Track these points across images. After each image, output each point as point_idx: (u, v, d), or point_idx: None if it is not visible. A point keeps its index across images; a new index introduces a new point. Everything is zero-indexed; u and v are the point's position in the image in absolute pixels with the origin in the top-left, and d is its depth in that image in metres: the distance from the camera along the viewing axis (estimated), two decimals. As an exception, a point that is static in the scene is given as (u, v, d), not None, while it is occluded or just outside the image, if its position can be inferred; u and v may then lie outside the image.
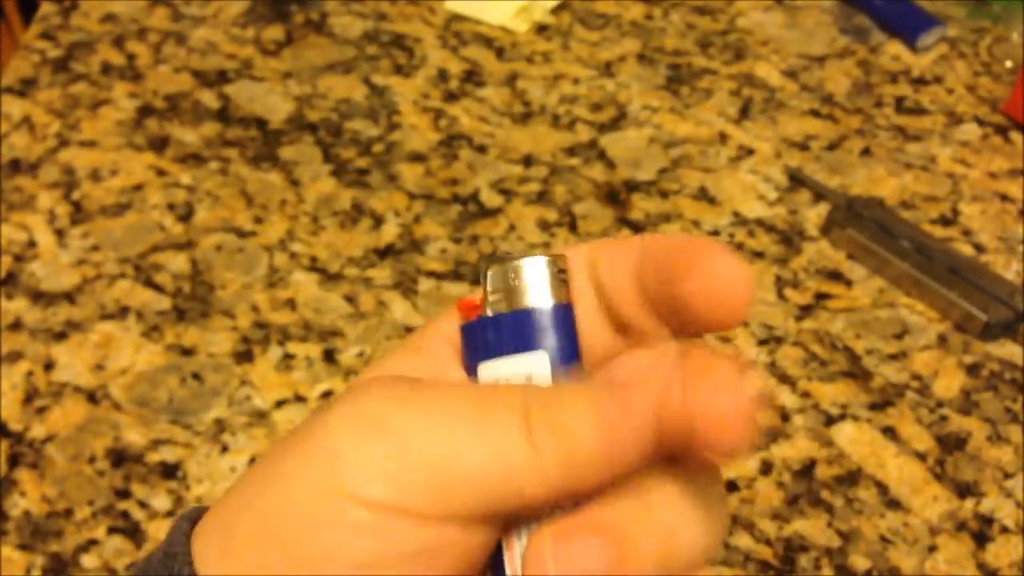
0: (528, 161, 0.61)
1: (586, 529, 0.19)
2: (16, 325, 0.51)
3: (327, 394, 0.48)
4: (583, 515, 0.19)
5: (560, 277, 0.21)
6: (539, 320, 0.21)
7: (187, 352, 0.50)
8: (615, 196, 0.59)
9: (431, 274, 0.54)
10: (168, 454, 0.46)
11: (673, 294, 0.20)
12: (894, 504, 0.45)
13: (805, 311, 0.53)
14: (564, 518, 0.19)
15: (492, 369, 0.21)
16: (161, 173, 0.59)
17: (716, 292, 0.19)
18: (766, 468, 0.46)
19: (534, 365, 0.21)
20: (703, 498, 0.20)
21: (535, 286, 0.21)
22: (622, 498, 0.19)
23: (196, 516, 0.22)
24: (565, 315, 0.21)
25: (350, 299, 0.53)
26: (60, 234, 0.56)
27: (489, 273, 0.21)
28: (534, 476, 0.19)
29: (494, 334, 0.21)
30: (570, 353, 0.21)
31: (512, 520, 0.20)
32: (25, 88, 0.65)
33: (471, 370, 0.22)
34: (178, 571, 0.20)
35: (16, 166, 0.60)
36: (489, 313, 0.21)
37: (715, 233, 0.57)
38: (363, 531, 0.19)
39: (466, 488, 0.19)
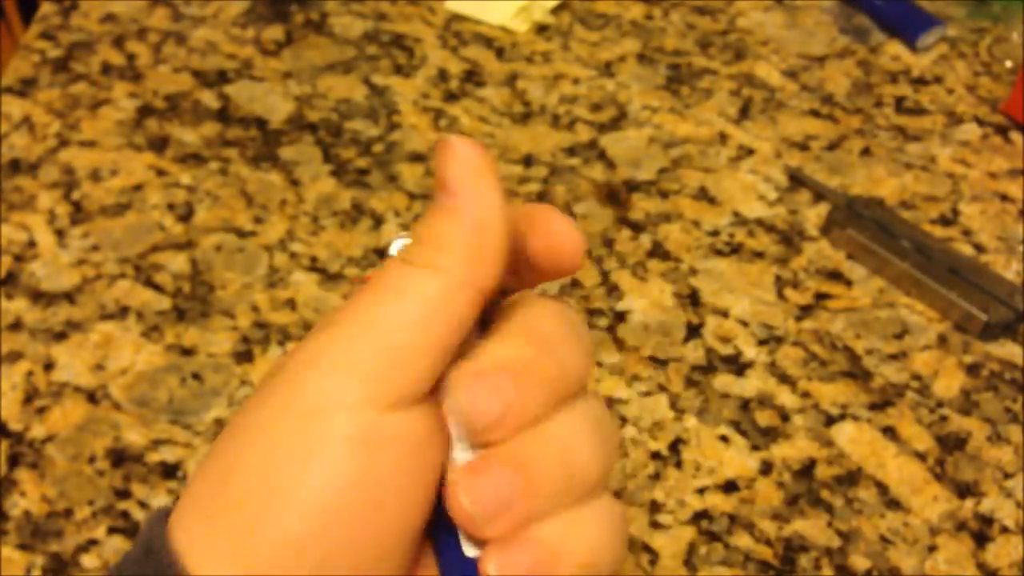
0: (528, 161, 0.61)
1: (495, 462, 0.21)
2: (16, 325, 0.51)
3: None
4: (491, 451, 0.21)
5: None
6: None
7: (187, 352, 0.50)
8: (615, 196, 0.59)
9: (431, 274, 0.54)
10: (168, 454, 0.46)
11: (522, 252, 0.23)
12: (894, 504, 0.45)
13: (805, 311, 0.53)
14: (476, 458, 0.21)
15: None
16: (161, 173, 0.59)
17: (555, 245, 0.23)
18: (766, 468, 0.46)
19: None
20: (595, 423, 0.22)
21: None
22: (523, 433, 0.21)
23: (169, 511, 0.22)
24: None
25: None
26: (60, 234, 0.56)
27: (391, 247, 0.24)
28: (448, 286, 0.21)
29: None
30: None
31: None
32: (25, 88, 0.65)
33: None
34: (162, 569, 0.20)
35: (16, 166, 0.60)
36: None
37: (715, 233, 0.57)
38: (354, 440, 0.20)
39: (417, 344, 0.21)
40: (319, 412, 0.20)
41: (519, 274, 0.24)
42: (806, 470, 0.46)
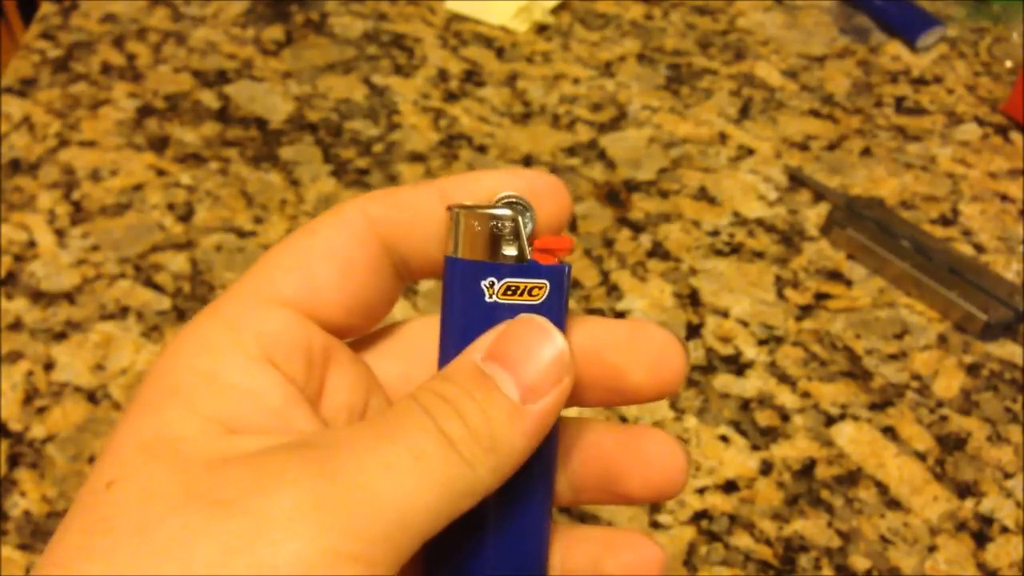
0: (528, 161, 0.61)
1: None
2: (16, 325, 0.51)
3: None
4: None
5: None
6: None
7: (187, 352, 0.50)
8: (615, 196, 0.59)
9: (431, 274, 0.54)
10: (168, 454, 0.46)
11: (618, 375, 0.22)
12: (894, 504, 0.45)
13: (805, 311, 0.53)
14: None
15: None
16: (161, 173, 0.59)
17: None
18: (766, 468, 0.46)
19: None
20: None
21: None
22: None
23: None
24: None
25: (350, 299, 0.53)
26: (60, 234, 0.56)
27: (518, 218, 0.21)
28: (471, 489, 0.19)
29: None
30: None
31: None
32: (25, 88, 0.65)
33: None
34: None
35: (16, 166, 0.60)
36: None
37: (715, 233, 0.57)
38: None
39: (421, 529, 0.18)
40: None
41: (610, 391, 0.22)
42: (806, 470, 0.46)
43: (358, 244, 0.22)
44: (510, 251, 0.21)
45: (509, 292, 0.21)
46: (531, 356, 0.20)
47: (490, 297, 0.21)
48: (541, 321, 0.20)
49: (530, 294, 0.21)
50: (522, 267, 0.21)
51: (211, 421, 0.19)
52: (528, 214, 0.22)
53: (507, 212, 0.21)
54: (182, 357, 0.21)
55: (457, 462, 0.19)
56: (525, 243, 0.21)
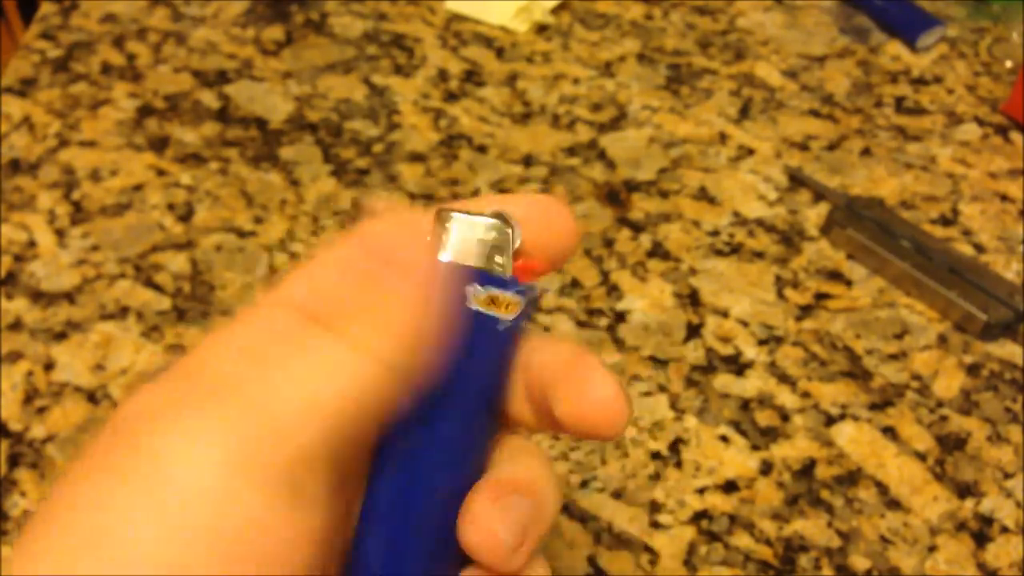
0: (528, 161, 0.61)
1: (512, 491, 0.21)
2: (16, 325, 0.51)
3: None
4: (500, 480, 0.21)
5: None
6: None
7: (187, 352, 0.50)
8: (615, 196, 0.59)
9: (431, 274, 0.54)
10: (168, 454, 0.46)
11: (552, 413, 0.21)
12: (894, 504, 0.45)
13: (805, 311, 0.53)
14: (487, 483, 0.21)
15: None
16: (161, 173, 0.59)
17: (589, 416, 0.21)
18: (766, 468, 0.46)
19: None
20: (551, 467, 0.22)
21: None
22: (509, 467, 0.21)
23: None
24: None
25: (350, 299, 0.53)
26: (60, 234, 0.56)
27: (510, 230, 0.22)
28: (373, 369, 0.19)
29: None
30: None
31: None
32: (25, 88, 0.65)
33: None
34: None
35: (16, 166, 0.60)
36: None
37: (715, 233, 0.57)
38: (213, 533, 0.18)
39: (305, 419, 0.19)
40: (172, 487, 0.17)
41: (539, 415, 0.22)
42: (806, 470, 0.46)
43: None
44: (498, 261, 0.22)
45: (489, 303, 0.21)
46: (402, 243, 0.21)
47: (472, 303, 0.21)
48: (402, 213, 0.21)
49: (506, 308, 0.22)
50: (504, 280, 0.22)
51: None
52: (515, 230, 0.22)
53: (499, 223, 0.22)
54: None
55: (347, 347, 0.19)
56: (510, 257, 0.22)
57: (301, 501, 0.18)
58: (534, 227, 0.22)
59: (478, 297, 0.21)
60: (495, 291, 0.21)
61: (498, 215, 0.22)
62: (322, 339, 0.19)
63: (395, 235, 0.21)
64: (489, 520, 0.20)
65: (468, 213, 0.22)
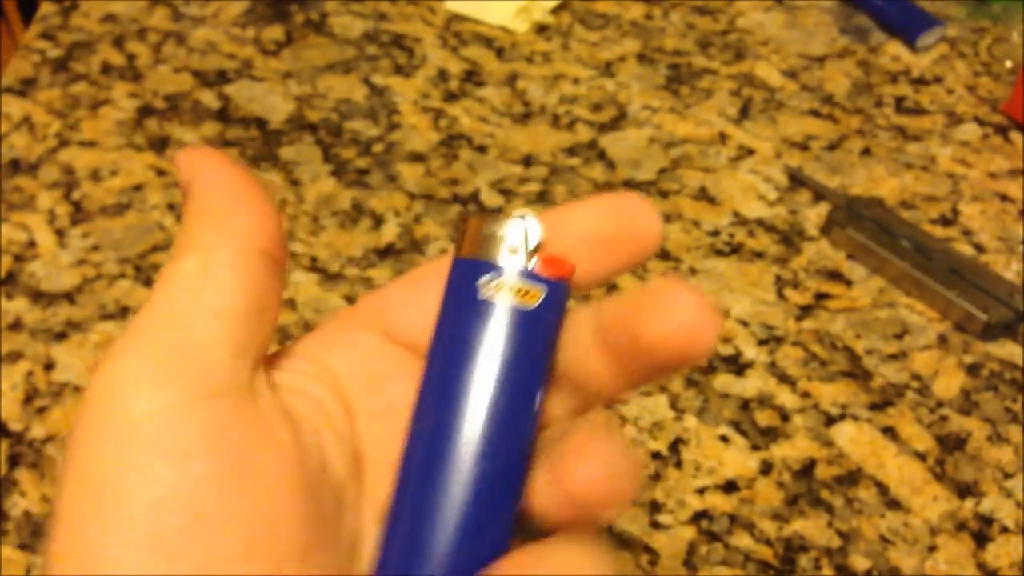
0: (528, 161, 0.61)
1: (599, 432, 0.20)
2: (16, 325, 0.51)
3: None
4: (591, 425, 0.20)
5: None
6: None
7: (187, 352, 0.50)
8: (615, 196, 0.59)
9: (431, 274, 0.54)
10: (168, 454, 0.46)
11: (638, 345, 0.20)
12: (894, 504, 0.45)
13: (805, 311, 0.53)
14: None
15: None
16: (161, 173, 0.59)
17: (681, 334, 0.20)
18: (766, 468, 0.46)
19: None
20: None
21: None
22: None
23: None
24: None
25: (350, 299, 0.53)
26: (60, 234, 0.56)
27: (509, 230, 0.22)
28: (208, 260, 0.21)
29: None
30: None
31: None
32: (25, 88, 0.65)
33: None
34: None
35: (16, 166, 0.60)
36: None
37: (715, 233, 0.57)
38: (164, 451, 0.19)
39: (199, 329, 0.20)
40: (125, 424, 0.19)
41: (625, 366, 0.21)
42: (806, 470, 0.46)
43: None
44: (514, 257, 0.22)
45: (504, 291, 0.22)
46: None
47: (484, 295, 0.22)
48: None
49: (525, 296, 0.22)
50: (521, 271, 0.22)
51: None
52: (537, 229, 0.22)
53: (514, 220, 0.22)
54: None
55: (173, 262, 0.21)
56: (526, 251, 0.22)
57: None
58: (613, 223, 0.22)
59: (490, 287, 0.22)
60: (510, 280, 0.22)
61: (520, 216, 0.23)
62: (171, 266, 0.21)
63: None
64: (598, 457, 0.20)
65: (487, 214, 0.23)
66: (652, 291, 0.20)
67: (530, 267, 0.22)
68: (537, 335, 0.22)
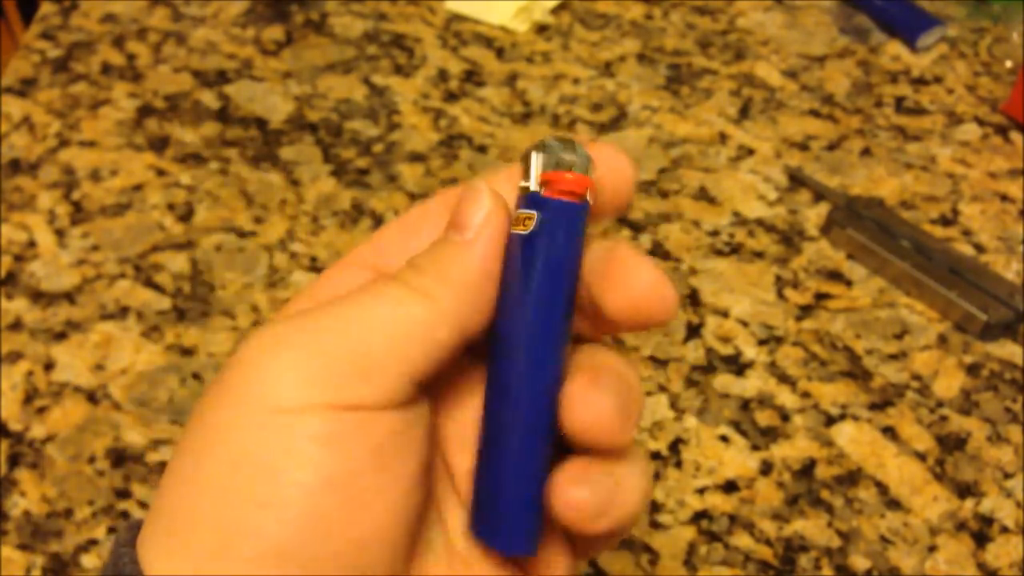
0: (528, 161, 0.61)
1: (602, 370, 0.22)
2: (16, 325, 0.51)
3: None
4: (592, 365, 0.22)
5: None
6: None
7: (187, 352, 0.50)
8: (615, 196, 0.59)
9: (431, 274, 0.54)
10: (168, 454, 0.46)
11: (602, 313, 0.22)
12: (894, 504, 0.45)
13: (805, 311, 0.53)
14: (578, 372, 0.22)
15: None
16: (161, 173, 0.59)
17: (639, 303, 0.22)
18: (766, 468, 0.46)
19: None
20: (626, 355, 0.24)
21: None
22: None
23: (138, 526, 0.21)
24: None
25: (350, 299, 0.53)
26: (60, 234, 0.56)
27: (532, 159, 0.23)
28: (435, 316, 0.21)
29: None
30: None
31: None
32: (25, 88, 0.65)
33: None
34: None
35: (16, 166, 0.60)
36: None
37: (715, 233, 0.57)
38: (320, 439, 0.20)
39: (388, 358, 0.21)
40: (283, 411, 0.20)
41: (594, 320, 0.23)
42: (806, 470, 0.46)
43: None
44: (525, 183, 0.23)
45: (512, 221, 0.23)
46: (469, 214, 0.23)
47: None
48: (474, 189, 0.23)
49: (523, 224, 0.23)
50: (524, 197, 0.23)
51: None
52: (556, 153, 0.23)
53: (536, 146, 0.23)
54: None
55: (416, 297, 0.21)
56: (532, 176, 0.23)
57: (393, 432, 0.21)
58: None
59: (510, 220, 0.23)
60: (515, 210, 0.23)
61: (548, 140, 0.23)
62: (397, 289, 0.22)
63: (451, 198, 0.24)
64: (594, 398, 0.22)
65: (534, 145, 0.23)
66: (613, 261, 0.22)
67: (533, 191, 0.23)
68: (537, 259, 0.22)
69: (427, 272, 0.22)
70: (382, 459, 0.20)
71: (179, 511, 0.20)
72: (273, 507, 0.19)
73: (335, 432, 0.20)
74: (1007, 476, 0.46)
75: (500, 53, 0.69)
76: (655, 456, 0.46)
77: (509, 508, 0.22)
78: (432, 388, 0.23)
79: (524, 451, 0.22)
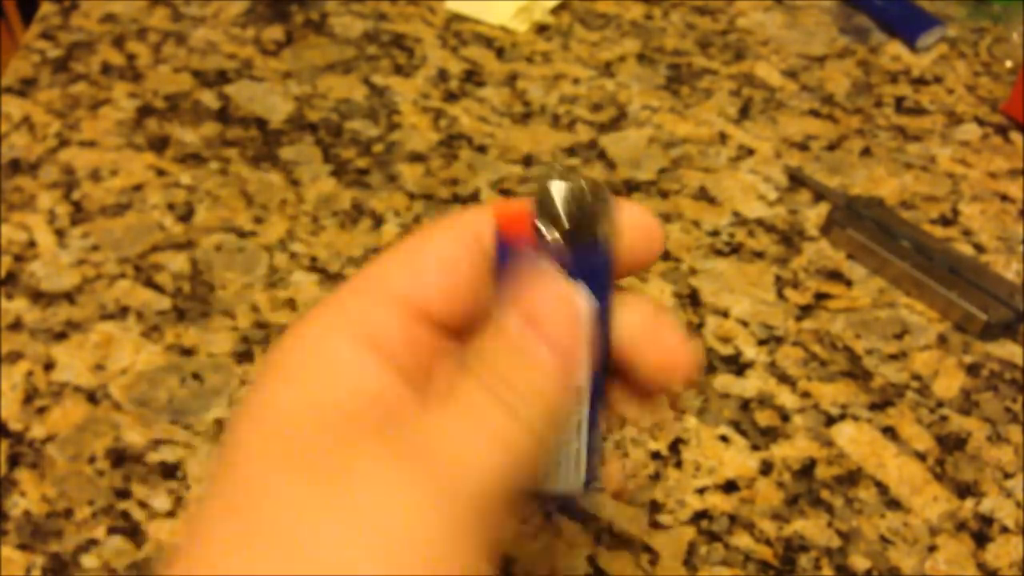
0: (528, 161, 0.61)
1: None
2: (16, 325, 0.51)
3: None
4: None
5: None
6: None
7: (187, 352, 0.50)
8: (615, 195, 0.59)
9: (431, 274, 0.54)
10: (168, 454, 0.46)
11: (636, 376, 0.25)
12: (894, 504, 0.45)
13: (805, 311, 0.53)
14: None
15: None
16: (161, 173, 0.59)
17: (665, 364, 0.25)
18: (766, 468, 0.46)
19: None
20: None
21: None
22: None
23: None
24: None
25: (350, 299, 0.53)
26: (60, 234, 0.56)
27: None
28: (532, 443, 0.22)
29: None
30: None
31: None
32: (25, 88, 0.65)
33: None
34: None
35: (16, 166, 0.60)
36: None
37: (715, 233, 0.57)
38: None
39: (500, 490, 0.21)
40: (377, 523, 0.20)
41: (620, 376, 0.25)
42: (806, 470, 0.46)
43: (464, 249, 0.25)
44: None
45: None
46: (555, 319, 0.23)
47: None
48: (556, 285, 0.23)
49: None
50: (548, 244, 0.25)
51: (311, 399, 0.22)
52: (564, 191, 0.25)
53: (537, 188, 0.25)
54: (295, 340, 0.24)
55: (519, 428, 0.21)
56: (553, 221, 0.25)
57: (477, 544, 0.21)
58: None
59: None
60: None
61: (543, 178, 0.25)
62: (485, 407, 0.22)
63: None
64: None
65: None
66: (647, 329, 0.24)
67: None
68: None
69: (519, 390, 0.22)
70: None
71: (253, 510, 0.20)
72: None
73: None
74: (1007, 476, 0.46)
75: (500, 53, 0.69)
76: (655, 456, 0.46)
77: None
78: None
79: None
